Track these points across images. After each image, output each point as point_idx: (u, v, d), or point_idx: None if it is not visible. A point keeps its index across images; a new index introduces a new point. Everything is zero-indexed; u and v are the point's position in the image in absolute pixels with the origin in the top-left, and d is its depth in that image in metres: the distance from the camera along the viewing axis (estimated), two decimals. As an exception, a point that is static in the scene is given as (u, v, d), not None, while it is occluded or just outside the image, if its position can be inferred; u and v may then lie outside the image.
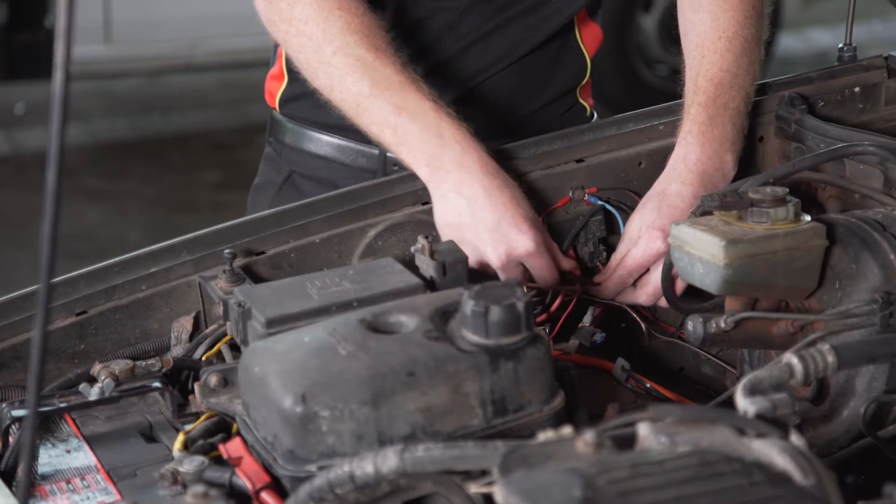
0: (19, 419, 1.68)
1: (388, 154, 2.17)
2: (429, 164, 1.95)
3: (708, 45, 2.10)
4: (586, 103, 2.42)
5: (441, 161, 1.94)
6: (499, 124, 2.24)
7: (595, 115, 2.45)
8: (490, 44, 2.24)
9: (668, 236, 1.89)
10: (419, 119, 1.96)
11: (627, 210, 2.13)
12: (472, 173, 1.92)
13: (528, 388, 1.51)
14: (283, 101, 2.37)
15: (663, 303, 2.00)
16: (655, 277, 1.97)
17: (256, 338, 1.63)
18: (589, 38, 2.36)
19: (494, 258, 1.90)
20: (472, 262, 1.88)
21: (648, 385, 1.98)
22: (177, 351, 1.88)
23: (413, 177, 2.05)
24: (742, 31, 2.11)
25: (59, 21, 1.15)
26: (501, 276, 1.91)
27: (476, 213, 1.91)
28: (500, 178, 1.94)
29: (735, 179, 2.08)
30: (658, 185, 2.02)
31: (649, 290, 1.99)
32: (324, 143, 2.31)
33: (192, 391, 1.73)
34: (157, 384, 1.75)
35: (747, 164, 2.23)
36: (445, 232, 1.94)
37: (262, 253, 1.97)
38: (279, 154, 2.39)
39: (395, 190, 2.05)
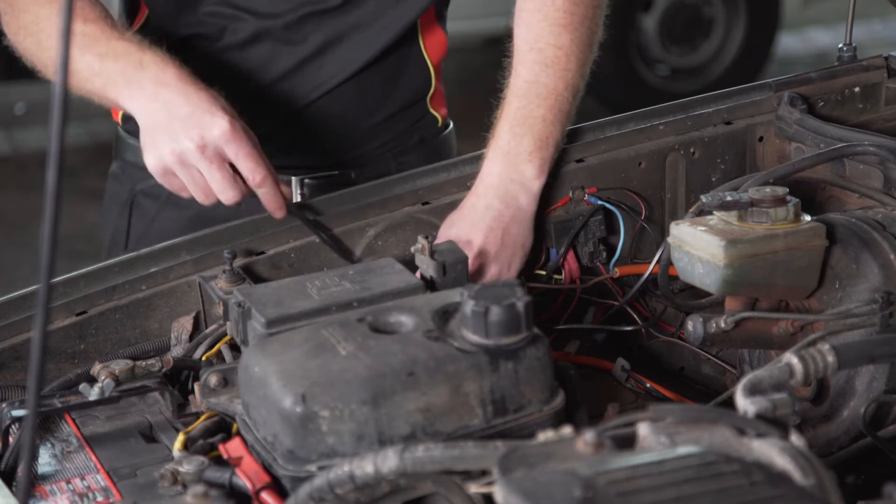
0: (19, 419, 1.68)
1: None
2: (128, 86, 1.90)
3: (520, 57, 2.08)
4: (438, 114, 2.39)
5: (140, 80, 1.90)
6: (340, 139, 2.21)
7: (450, 125, 2.44)
8: (325, 60, 2.22)
9: (476, 252, 1.91)
10: (122, 58, 1.93)
11: (627, 210, 2.13)
12: (168, 84, 1.88)
13: (528, 388, 1.51)
14: (125, 117, 2.32)
15: None
16: None
17: (256, 338, 1.63)
18: (433, 47, 2.32)
19: (190, 144, 1.82)
20: (172, 160, 1.82)
21: (648, 385, 1.98)
22: (177, 351, 1.88)
23: (413, 177, 2.05)
24: (555, 41, 2.07)
25: (59, 21, 1.15)
26: (203, 166, 1.83)
27: (171, 110, 1.85)
28: (199, 85, 1.89)
29: (734, 178, 2.08)
30: (466, 201, 2.00)
31: None
32: None
33: (192, 391, 1.73)
34: (156, 384, 1.75)
35: (747, 164, 2.24)
36: (144, 140, 1.88)
37: (262, 253, 1.97)
38: (122, 171, 2.35)
39: (395, 190, 2.05)
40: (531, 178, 2.00)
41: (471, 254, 1.92)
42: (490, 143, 2.03)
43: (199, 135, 1.82)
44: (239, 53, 2.20)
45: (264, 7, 2.17)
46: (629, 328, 2.08)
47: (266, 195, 1.88)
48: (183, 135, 1.83)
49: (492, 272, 1.96)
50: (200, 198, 1.88)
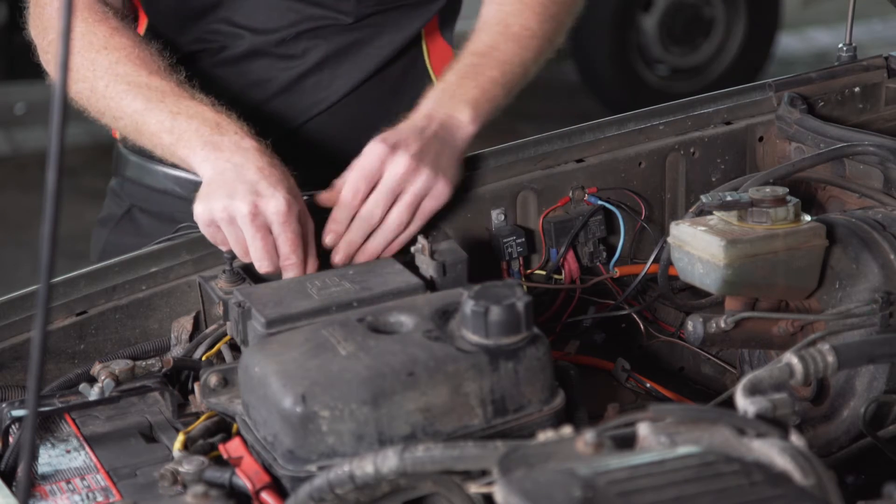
0: (19, 419, 1.68)
1: None
2: (204, 146, 1.89)
3: (485, 28, 2.10)
4: None
5: (218, 143, 1.89)
6: (341, 154, 2.14)
7: None
8: (324, 75, 2.21)
9: (392, 145, 1.87)
10: (196, 117, 1.92)
11: (627, 210, 2.13)
12: (246, 150, 1.88)
13: (528, 388, 1.51)
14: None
15: None
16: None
17: (256, 338, 1.63)
18: (438, 60, 2.30)
19: (244, 208, 1.81)
20: (222, 215, 1.82)
21: (648, 385, 1.98)
22: (177, 351, 1.88)
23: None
24: (521, 21, 2.09)
25: (59, 21, 1.15)
26: (248, 232, 1.82)
27: (240, 173, 1.84)
28: (275, 160, 1.89)
29: (734, 178, 2.08)
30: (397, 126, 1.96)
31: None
32: (161, 175, 2.24)
33: (192, 391, 1.73)
34: (156, 384, 1.75)
35: (747, 164, 2.24)
36: (202, 190, 1.86)
37: (262, 253, 1.96)
38: (121, 188, 2.35)
39: (395, 190, 2.05)
40: (466, 122, 1.98)
41: (408, 151, 1.88)
42: (435, 86, 2.02)
43: (255, 203, 1.81)
44: (237, 69, 2.19)
45: (261, 23, 2.17)
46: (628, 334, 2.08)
47: (288, 274, 1.87)
48: (241, 197, 1.82)
49: (425, 176, 1.90)
50: (239, 255, 1.87)
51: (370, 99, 2.24)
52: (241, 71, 2.19)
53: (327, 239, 1.89)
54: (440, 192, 1.91)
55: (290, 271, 1.84)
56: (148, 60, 2.02)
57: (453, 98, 1.99)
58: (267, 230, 1.82)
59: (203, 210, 1.84)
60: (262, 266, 1.84)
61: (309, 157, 2.14)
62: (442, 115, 1.96)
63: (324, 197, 1.92)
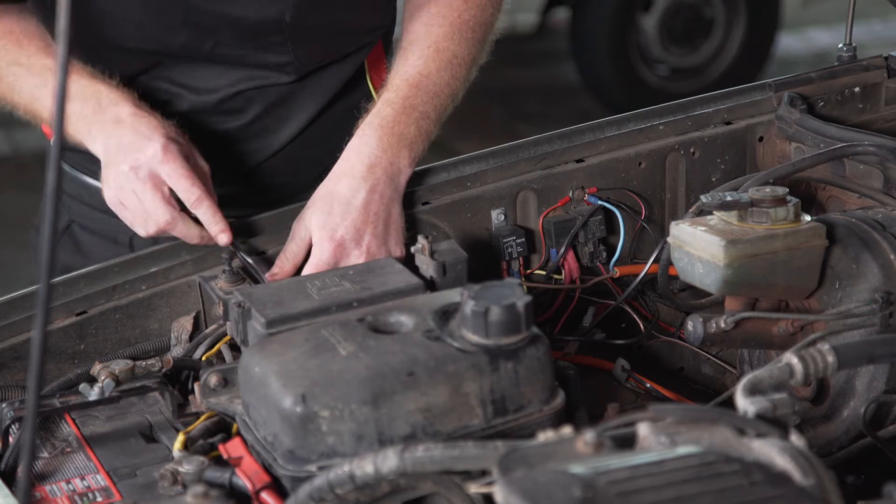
0: (19, 419, 1.68)
1: None
2: (89, 129, 1.91)
3: (414, 50, 2.06)
4: None
5: (100, 122, 1.90)
6: (294, 190, 2.14)
7: None
8: (267, 125, 2.18)
9: (341, 242, 1.87)
10: (78, 100, 1.92)
11: (627, 210, 2.13)
12: (123, 120, 1.89)
13: (528, 388, 1.51)
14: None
15: None
16: None
17: (256, 338, 1.63)
18: (379, 78, 2.26)
19: (125, 167, 1.82)
20: (115, 187, 1.83)
21: (648, 385, 1.98)
22: (177, 351, 1.88)
23: (413, 176, 2.05)
24: (452, 47, 2.07)
25: (59, 21, 1.15)
26: (137, 190, 1.83)
27: (120, 142, 1.86)
28: (150, 116, 1.90)
29: (734, 178, 2.08)
30: (329, 181, 1.94)
31: None
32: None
33: (192, 391, 1.73)
34: (156, 384, 1.75)
35: (747, 164, 2.24)
36: (102, 175, 1.89)
37: (263, 253, 1.97)
38: (60, 200, 2.30)
39: (395, 190, 2.04)
40: (406, 166, 1.97)
41: (360, 245, 1.88)
42: (369, 118, 1.99)
43: (134, 157, 1.82)
44: (179, 121, 2.16)
45: (202, 83, 2.13)
46: (629, 340, 2.08)
47: (204, 217, 1.86)
48: (122, 158, 1.83)
49: (371, 250, 1.90)
50: (139, 230, 1.86)
51: (317, 136, 2.20)
52: (184, 123, 2.16)
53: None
54: None
55: (201, 208, 1.82)
56: (33, 37, 2.02)
57: (392, 137, 1.96)
58: (155, 180, 1.81)
59: (107, 194, 1.87)
60: (160, 217, 1.82)
61: (261, 197, 2.12)
62: (384, 163, 1.94)
63: (271, 278, 1.90)
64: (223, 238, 1.89)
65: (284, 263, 1.91)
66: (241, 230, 1.96)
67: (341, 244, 1.88)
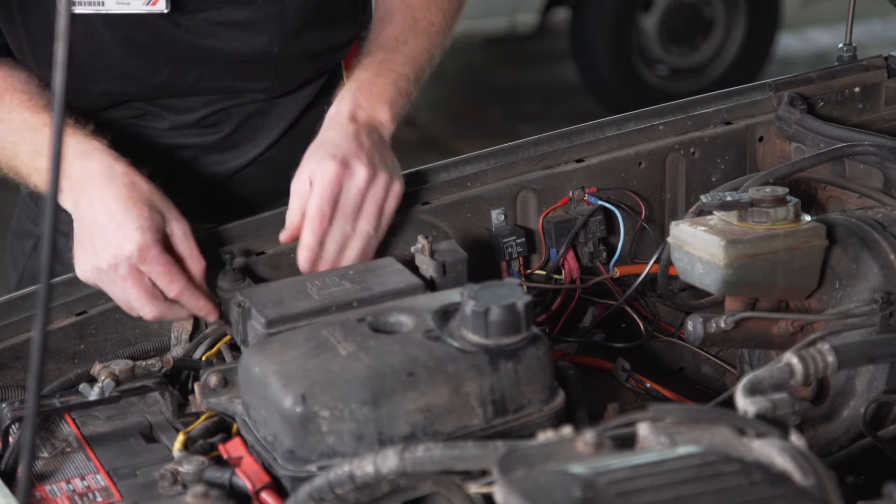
0: (19, 419, 1.68)
1: None
2: (60, 188, 1.84)
3: (390, 18, 2.08)
4: None
5: (68, 177, 1.85)
6: (271, 199, 2.12)
7: None
8: (246, 135, 2.18)
9: (342, 160, 1.84)
10: (46, 154, 1.89)
11: (627, 210, 2.13)
12: (92, 180, 1.84)
13: (528, 388, 1.51)
14: None
15: None
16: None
17: (256, 338, 1.63)
18: (350, 69, 2.21)
19: (103, 264, 1.79)
20: (93, 276, 1.80)
21: (648, 385, 1.98)
22: (177, 351, 1.88)
23: (413, 177, 2.05)
24: (428, 16, 2.09)
25: (59, 21, 1.15)
26: (119, 286, 1.80)
27: (93, 218, 1.81)
28: (121, 180, 1.84)
29: (734, 178, 2.08)
30: (318, 138, 1.93)
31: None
32: None
33: (192, 391, 1.73)
34: (156, 384, 1.75)
35: (747, 164, 2.24)
36: (74, 248, 1.84)
37: (263, 253, 1.96)
38: (36, 203, 2.31)
39: (395, 190, 2.04)
40: (387, 121, 1.97)
41: (362, 160, 1.86)
42: (347, 84, 1.99)
43: (113, 254, 1.79)
44: (158, 134, 2.16)
45: (180, 104, 2.13)
46: (630, 344, 2.08)
47: (188, 304, 1.83)
48: (100, 251, 1.80)
49: (383, 178, 1.88)
50: (126, 310, 1.84)
51: (296, 141, 2.15)
52: (164, 136, 2.16)
53: (304, 265, 1.86)
54: (397, 191, 1.91)
55: (184, 298, 1.80)
56: (16, 91, 1.98)
57: (371, 97, 1.97)
58: (137, 274, 1.79)
59: (81, 274, 1.83)
60: (147, 312, 1.81)
61: (240, 207, 2.11)
62: (364, 117, 1.94)
63: (286, 236, 1.89)
64: (211, 318, 1.86)
65: (293, 217, 1.88)
66: (241, 231, 1.96)
67: (343, 162, 1.85)
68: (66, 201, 1.85)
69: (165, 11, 1.97)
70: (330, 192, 1.85)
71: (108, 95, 2.08)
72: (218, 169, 2.20)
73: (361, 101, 1.96)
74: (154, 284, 1.80)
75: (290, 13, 2.07)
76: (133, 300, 1.80)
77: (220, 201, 2.17)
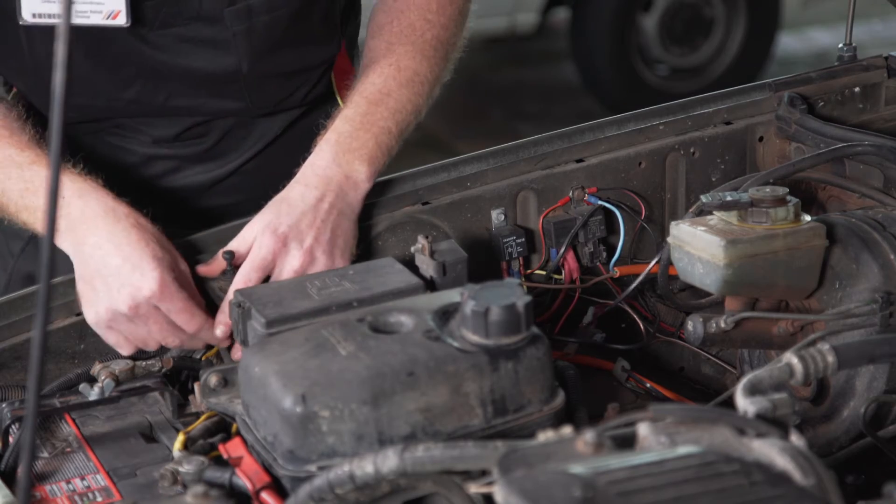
0: (19, 419, 1.68)
1: None
2: (58, 228, 1.82)
3: (375, 68, 2.05)
4: None
5: (66, 217, 1.83)
6: (255, 207, 2.06)
7: None
8: (231, 145, 2.18)
9: (283, 239, 1.83)
10: (41, 192, 1.87)
11: (627, 210, 2.13)
12: (93, 221, 1.82)
13: (528, 388, 1.51)
14: None
15: None
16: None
17: (256, 338, 1.63)
18: (345, 86, 2.20)
19: (122, 307, 1.78)
20: (108, 317, 1.79)
21: (648, 385, 1.98)
22: (177, 351, 1.88)
23: (413, 177, 2.05)
24: (413, 66, 2.05)
25: (59, 21, 1.15)
26: (141, 326, 1.80)
27: (103, 259, 1.80)
28: (125, 221, 1.83)
29: (734, 178, 2.08)
30: (285, 190, 1.91)
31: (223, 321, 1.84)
32: None
33: (192, 391, 1.73)
34: (156, 384, 1.75)
35: (747, 164, 2.24)
36: (79, 288, 1.83)
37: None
38: None
39: (395, 190, 2.05)
40: (363, 180, 1.94)
41: (302, 245, 1.85)
42: (327, 135, 1.97)
43: (131, 295, 1.77)
44: (142, 150, 2.15)
45: (157, 121, 2.13)
46: (631, 346, 2.08)
47: (206, 336, 1.83)
48: (116, 294, 1.78)
49: (322, 264, 1.86)
50: (141, 346, 1.83)
51: (283, 150, 2.18)
52: (146, 147, 2.16)
53: (218, 331, 1.84)
54: None
55: (203, 333, 1.81)
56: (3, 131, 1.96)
57: (349, 153, 1.94)
58: (156, 313, 1.78)
59: (92, 318, 1.81)
60: (170, 343, 1.81)
61: (222, 215, 2.11)
62: (339, 177, 1.92)
63: (203, 269, 1.88)
64: (224, 345, 1.86)
65: (221, 259, 1.88)
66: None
67: (283, 240, 1.84)
68: (63, 241, 1.82)
69: (126, 25, 1.95)
70: (259, 263, 1.83)
71: (79, 109, 2.07)
72: (201, 178, 2.20)
73: (339, 156, 1.93)
74: (170, 321, 1.80)
75: (258, 32, 2.05)
76: (157, 334, 1.80)
77: (203, 210, 2.17)
